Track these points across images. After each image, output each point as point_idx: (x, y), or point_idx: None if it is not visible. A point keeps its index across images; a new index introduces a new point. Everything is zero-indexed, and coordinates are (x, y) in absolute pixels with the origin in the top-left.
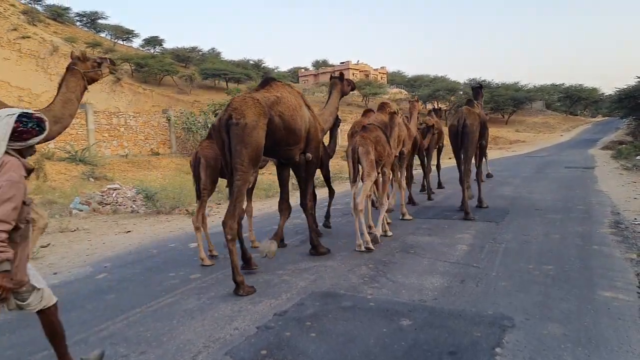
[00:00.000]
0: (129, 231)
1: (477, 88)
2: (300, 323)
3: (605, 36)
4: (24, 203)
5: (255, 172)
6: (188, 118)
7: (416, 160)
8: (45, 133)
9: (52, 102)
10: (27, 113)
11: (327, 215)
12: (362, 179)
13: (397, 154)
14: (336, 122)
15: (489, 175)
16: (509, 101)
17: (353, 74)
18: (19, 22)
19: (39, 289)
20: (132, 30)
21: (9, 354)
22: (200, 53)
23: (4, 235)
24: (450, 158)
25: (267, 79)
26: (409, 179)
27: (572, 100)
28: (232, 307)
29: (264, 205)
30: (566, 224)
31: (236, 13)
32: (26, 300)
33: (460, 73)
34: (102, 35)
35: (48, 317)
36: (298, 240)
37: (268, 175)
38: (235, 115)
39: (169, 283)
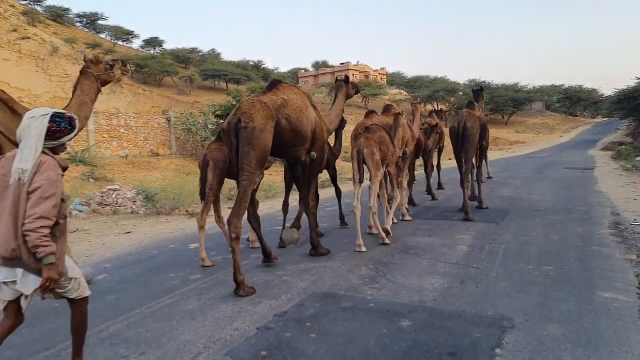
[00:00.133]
0: (128, 232)
1: (478, 90)
2: (300, 324)
3: (604, 36)
4: (61, 200)
5: (262, 173)
6: (188, 119)
7: (418, 161)
8: (76, 131)
9: (67, 105)
10: (59, 112)
11: (341, 216)
12: (370, 180)
13: (400, 155)
14: (341, 124)
15: (488, 177)
16: (509, 102)
17: (353, 74)
18: (19, 22)
19: (76, 278)
20: (132, 31)
21: (9, 354)
22: (200, 54)
23: (47, 231)
24: (450, 159)
25: (274, 81)
26: (411, 179)
27: (572, 101)
28: (232, 307)
29: (264, 206)
30: (566, 224)
31: (236, 13)
32: (65, 287)
33: (460, 74)
34: (102, 36)
35: (79, 308)
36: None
37: (268, 176)
38: (244, 119)
39: (169, 284)
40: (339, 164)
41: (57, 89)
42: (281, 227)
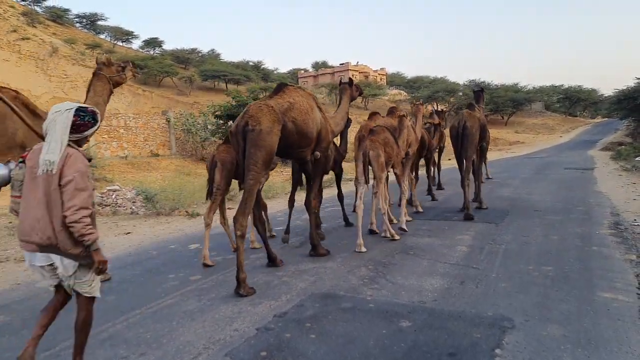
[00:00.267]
0: (128, 232)
1: (479, 91)
2: (300, 324)
3: (604, 37)
4: (92, 189)
5: (267, 173)
6: (188, 119)
7: (421, 162)
8: (98, 125)
9: None
10: (83, 107)
11: (345, 217)
12: (375, 180)
13: (404, 156)
14: (347, 124)
15: (488, 178)
16: (509, 102)
17: (353, 75)
18: (19, 23)
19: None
20: (132, 32)
21: (8, 355)
22: (200, 54)
23: (89, 220)
24: (450, 159)
25: (281, 84)
26: (413, 180)
27: (572, 102)
28: (232, 308)
29: None
30: (566, 225)
31: (236, 13)
32: (82, 279)
33: (460, 74)
34: (102, 36)
35: (86, 306)
36: (298, 241)
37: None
38: (251, 122)
39: (169, 284)
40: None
41: (57, 90)
42: (286, 223)
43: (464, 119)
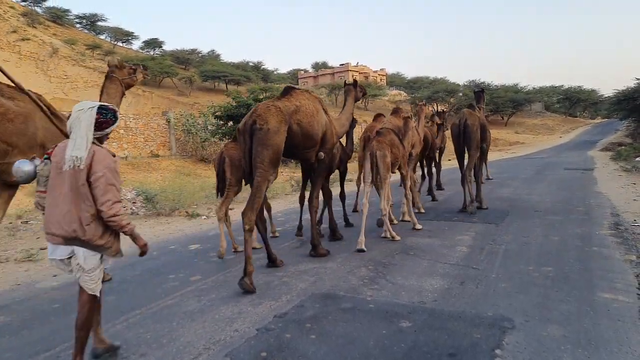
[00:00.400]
0: None
1: (479, 92)
2: (300, 325)
3: (604, 37)
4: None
5: (275, 172)
6: (188, 120)
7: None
8: (118, 122)
9: None
10: (104, 105)
11: (346, 217)
12: (380, 181)
13: (407, 156)
14: (352, 124)
15: (488, 179)
16: (508, 103)
17: (353, 76)
18: (19, 24)
19: (101, 270)
20: (132, 32)
21: (8, 356)
22: (200, 55)
23: (123, 212)
24: (450, 160)
25: (288, 87)
26: (416, 180)
27: (572, 102)
28: (233, 309)
29: None
30: (566, 225)
31: (236, 13)
32: (91, 273)
33: (460, 74)
34: (102, 37)
35: (88, 304)
36: (298, 241)
37: None
38: (259, 121)
39: (169, 285)
40: None
41: (57, 90)
42: (298, 220)
43: (465, 117)
